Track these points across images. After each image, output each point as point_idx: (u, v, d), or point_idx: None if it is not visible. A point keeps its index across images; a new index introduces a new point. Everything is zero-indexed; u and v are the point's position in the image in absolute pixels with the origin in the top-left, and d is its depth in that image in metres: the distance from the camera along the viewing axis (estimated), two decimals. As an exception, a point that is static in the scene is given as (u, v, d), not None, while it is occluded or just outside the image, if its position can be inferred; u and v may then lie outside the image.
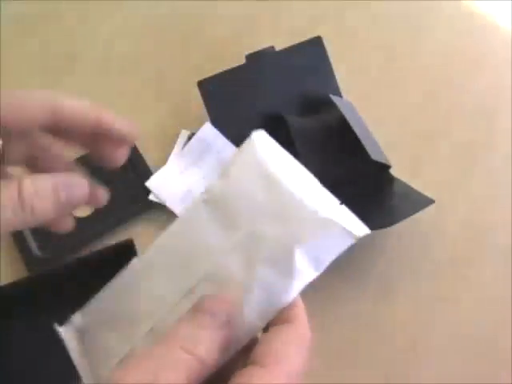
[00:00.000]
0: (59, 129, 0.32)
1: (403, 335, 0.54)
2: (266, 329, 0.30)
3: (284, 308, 0.29)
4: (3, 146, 0.32)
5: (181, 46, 0.66)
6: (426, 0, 0.69)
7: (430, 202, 0.53)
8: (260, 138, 0.32)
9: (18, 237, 0.55)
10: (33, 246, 0.55)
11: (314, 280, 0.55)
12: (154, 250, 0.31)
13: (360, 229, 0.31)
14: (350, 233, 0.30)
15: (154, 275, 0.30)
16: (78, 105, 0.31)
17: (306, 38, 0.61)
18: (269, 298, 0.29)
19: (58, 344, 0.31)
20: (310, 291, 0.55)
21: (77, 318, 0.32)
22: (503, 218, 0.58)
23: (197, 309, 0.28)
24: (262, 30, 0.66)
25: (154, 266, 0.31)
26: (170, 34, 0.67)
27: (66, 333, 0.31)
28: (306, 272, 0.30)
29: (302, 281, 0.30)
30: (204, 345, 0.27)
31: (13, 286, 0.51)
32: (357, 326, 0.54)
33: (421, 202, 0.53)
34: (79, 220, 0.45)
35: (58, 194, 0.29)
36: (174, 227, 0.31)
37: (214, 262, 0.29)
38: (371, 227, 0.53)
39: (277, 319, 0.29)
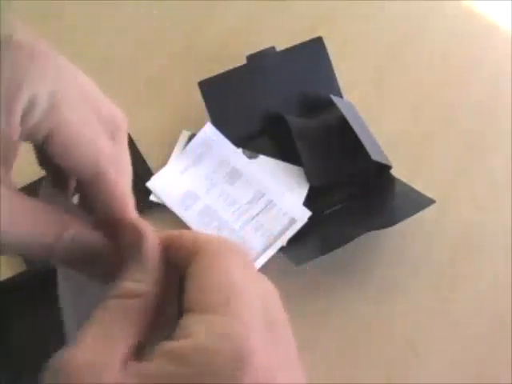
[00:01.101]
0: None
1: (403, 335, 0.54)
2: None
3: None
4: None
5: (181, 46, 0.66)
6: (426, 0, 0.69)
7: (431, 202, 0.53)
8: None
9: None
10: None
11: (315, 280, 0.55)
12: None
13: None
14: None
15: None
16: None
17: (306, 39, 0.61)
18: None
19: (59, 340, 0.31)
20: (311, 291, 0.55)
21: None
22: (503, 218, 0.58)
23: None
24: (262, 30, 0.66)
25: None
26: (170, 35, 0.67)
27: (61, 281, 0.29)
28: None
29: None
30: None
31: (11, 280, 0.51)
32: (358, 325, 0.54)
33: (421, 202, 0.53)
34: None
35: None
36: None
37: None
38: (372, 227, 0.54)
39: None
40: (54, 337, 0.31)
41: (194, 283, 0.23)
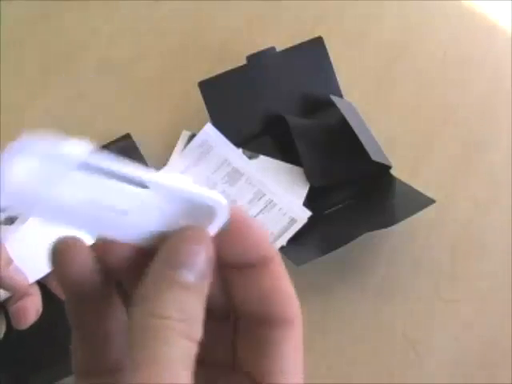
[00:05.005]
0: None
1: (403, 335, 0.54)
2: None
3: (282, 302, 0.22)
4: None
5: (181, 46, 0.66)
6: (426, 0, 0.69)
7: (431, 201, 0.53)
8: None
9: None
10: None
11: (315, 280, 0.55)
12: None
13: None
14: None
15: None
16: None
17: (306, 39, 0.61)
18: None
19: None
20: (311, 291, 0.55)
21: None
22: (503, 218, 0.58)
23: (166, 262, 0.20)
24: (262, 30, 0.66)
25: None
26: (170, 35, 0.67)
27: None
28: None
29: None
30: (190, 312, 0.20)
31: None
32: (357, 325, 0.54)
33: (421, 201, 0.53)
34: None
35: None
36: None
37: None
38: (372, 227, 0.54)
39: (275, 315, 0.22)
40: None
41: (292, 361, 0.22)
